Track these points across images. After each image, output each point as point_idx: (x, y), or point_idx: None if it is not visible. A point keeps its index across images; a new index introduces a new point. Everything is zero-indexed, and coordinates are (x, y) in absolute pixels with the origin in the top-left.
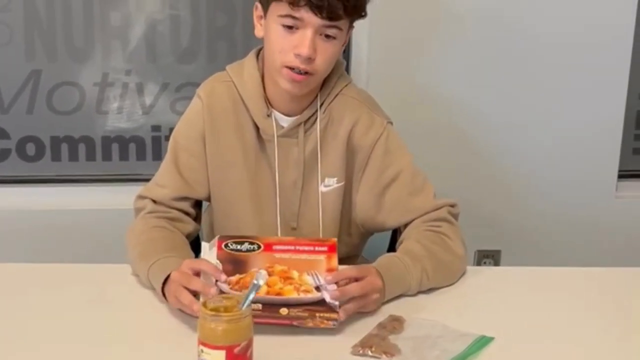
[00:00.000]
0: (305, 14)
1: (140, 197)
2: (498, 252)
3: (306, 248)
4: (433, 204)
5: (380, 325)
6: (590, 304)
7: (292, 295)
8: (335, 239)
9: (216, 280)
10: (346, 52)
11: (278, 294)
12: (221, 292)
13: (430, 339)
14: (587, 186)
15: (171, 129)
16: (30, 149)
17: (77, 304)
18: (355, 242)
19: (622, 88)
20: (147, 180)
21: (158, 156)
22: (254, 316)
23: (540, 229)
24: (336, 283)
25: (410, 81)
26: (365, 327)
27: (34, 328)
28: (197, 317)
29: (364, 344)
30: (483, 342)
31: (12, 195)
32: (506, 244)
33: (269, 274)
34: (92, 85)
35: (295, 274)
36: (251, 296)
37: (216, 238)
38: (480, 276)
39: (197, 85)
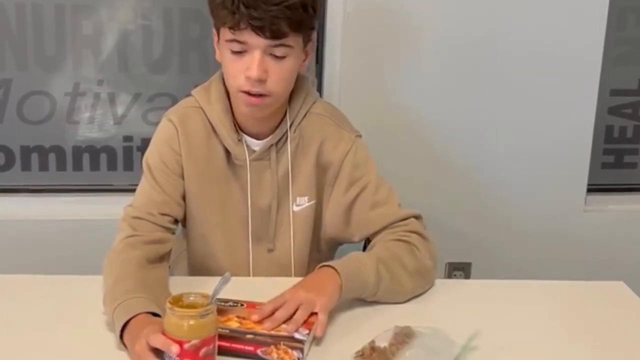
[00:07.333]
0: (249, 37)
1: (122, 219)
2: (469, 264)
3: None
4: (398, 214)
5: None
6: (559, 317)
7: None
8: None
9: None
10: (318, 67)
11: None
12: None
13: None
14: (557, 200)
15: (143, 139)
16: (0, 158)
17: (44, 316)
18: (325, 257)
19: (591, 103)
20: (119, 190)
21: (129, 166)
22: (220, 339)
23: (510, 241)
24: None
25: (382, 96)
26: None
27: None
28: None
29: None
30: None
31: None
32: (477, 256)
33: (243, 318)
34: (63, 95)
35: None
36: (220, 290)
37: None
38: (451, 289)
39: (170, 95)
